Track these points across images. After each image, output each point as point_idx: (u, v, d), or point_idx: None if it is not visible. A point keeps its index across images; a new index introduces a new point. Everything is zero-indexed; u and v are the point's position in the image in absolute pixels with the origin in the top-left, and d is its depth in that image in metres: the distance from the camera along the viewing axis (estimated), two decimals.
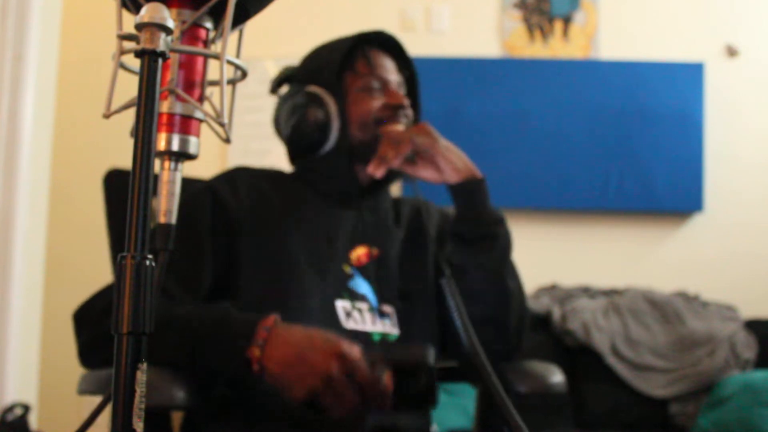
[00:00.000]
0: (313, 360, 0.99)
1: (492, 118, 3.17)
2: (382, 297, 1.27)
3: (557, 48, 3.29)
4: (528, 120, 3.18)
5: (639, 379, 2.76)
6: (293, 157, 1.34)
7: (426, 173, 1.27)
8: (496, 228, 1.28)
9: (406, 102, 1.31)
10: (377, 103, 1.29)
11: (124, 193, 1.33)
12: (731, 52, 3.26)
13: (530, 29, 3.31)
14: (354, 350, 1.00)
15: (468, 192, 1.27)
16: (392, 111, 1.29)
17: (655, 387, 2.74)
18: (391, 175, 1.31)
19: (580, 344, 2.80)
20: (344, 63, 1.31)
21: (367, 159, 1.27)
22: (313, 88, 1.29)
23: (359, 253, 1.28)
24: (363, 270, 1.27)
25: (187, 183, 1.36)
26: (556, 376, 1.29)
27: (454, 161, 1.26)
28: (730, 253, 3.17)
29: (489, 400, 1.34)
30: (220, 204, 1.22)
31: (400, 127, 1.28)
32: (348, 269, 1.26)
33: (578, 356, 2.82)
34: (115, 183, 1.36)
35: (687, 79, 3.17)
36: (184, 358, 1.04)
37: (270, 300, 1.17)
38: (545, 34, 3.30)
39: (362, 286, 1.25)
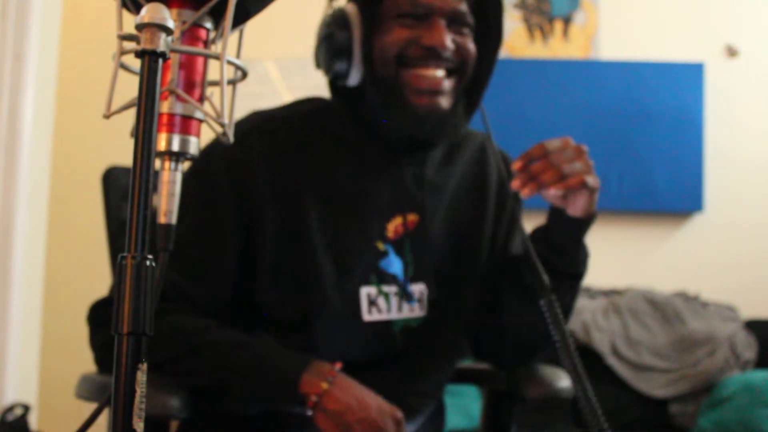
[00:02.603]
0: (374, 412, 0.99)
1: (492, 118, 3.16)
2: (415, 274, 1.13)
3: (557, 48, 3.29)
4: (528, 120, 3.17)
5: (639, 379, 2.76)
6: (330, 84, 1.13)
7: (551, 195, 1.10)
8: (584, 267, 1.18)
9: (449, 44, 1.05)
10: (405, 36, 1.05)
11: (124, 190, 1.33)
12: (731, 52, 3.26)
13: (530, 29, 3.31)
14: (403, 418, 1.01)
15: (579, 228, 1.13)
16: (423, 52, 1.05)
17: (655, 387, 2.74)
18: (447, 135, 1.11)
19: (580, 344, 2.80)
20: None
21: (391, 108, 1.05)
22: (348, 5, 1.08)
23: (396, 223, 1.12)
24: (397, 244, 1.12)
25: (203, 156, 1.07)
26: (564, 381, 1.28)
27: (592, 202, 1.10)
28: (730, 253, 3.17)
29: (497, 403, 1.33)
30: (240, 182, 1.06)
31: (436, 72, 1.06)
32: (382, 246, 1.11)
33: (578, 356, 2.81)
34: (114, 181, 1.36)
35: (687, 79, 3.17)
36: (221, 381, 1.02)
37: (290, 297, 1.08)
38: (545, 34, 3.30)
39: (394, 264, 1.12)
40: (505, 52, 3.30)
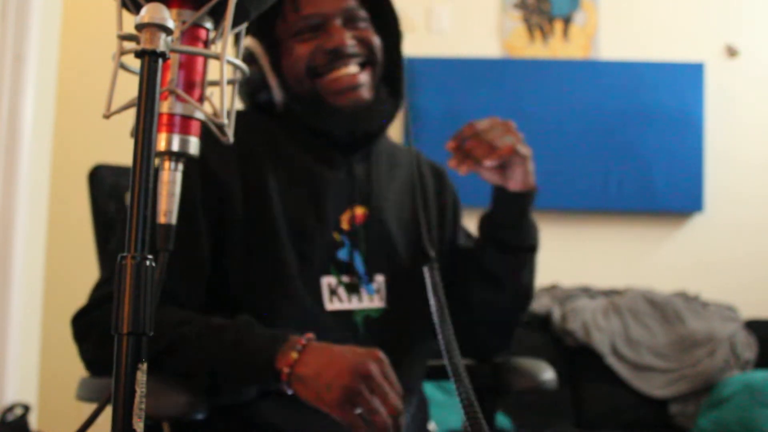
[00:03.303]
0: (350, 361, 0.94)
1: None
2: (371, 265, 1.17)
3: (557, 48, 3.29)
4: (528, 120, 3.16)
5: (639, 379, 2.76)
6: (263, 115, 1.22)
7: (488, 174, 1.16)
8: (536, 239, 1.23)
9: (349, 40, 1.12)
10: (308, 49, 1.12)
11: (111, 189, 1.32)
12: (731, 52, 3.26)
13: (530, 29, 3.31)
14: (385, 357, 0.95)
15: (523, 202, 1.18)
16: (329, 56, 1.11)
17: (655, 387, 2.74)
18: (379, 124, 1.18)
19: (580, 344, 2.80)
20: (274, 7, 1.18)
21: (318, 117, 1.13)
22: (251, 43, 1.14)
23: (349, 215, 1.16)
24: (353, 235, 1.16)
25: None
26: (547, 373, 1.30)
27: (528, 173, 1.15)
28: (730, 253, 3.17)
29: (478, 397, 1.34)
30: (209, 175, 1.08)
31: (347, 70, 1.11)
32: (338, 237, 1.15)
33: (578, 356, 2.82)
34: (101, 179, 1.35)
35: (687, 79, 3.17)
36: (204, 365, 0.99)
37: (257, 285, 1.10)
38: (545, 34, 3.30)
39: (351, 254, 1.16)
40: (505, 52, 3.30)
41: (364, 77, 1.14)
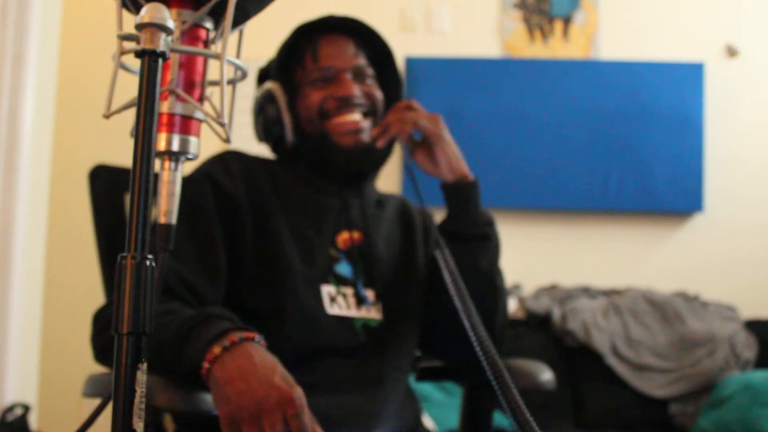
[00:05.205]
0: (258, 386, 0.89)
1: (492, 118, 3.17)
2: (366, 281, 1.28)
3: (557, 48, 3.29)
4: (528, 120, 3.17)
5: (639, 379, 2.76)
6: (272, 148, 1.36)
7: (422, 160, 1.29)
8: (488, 229, 1.31)
9: (357, 92, 1.28)
10: (321, 95, 1.28)
11: (111, 189, 1.34)
12: (731, 52, 3.26)
13: (530, 29, 3.31)
14: (302, 402, 0.90)
15: (461, 193, 1.29)
16: (338, 102, 1.27)
17: (655, 387, 2.74)
18: (374, 163, 1.32)
19: (580, 344, 2.80)
20: (295, 55, 1.30)
21: (324, 153, 1.27)
22: (271, 84, 1.31)
23: (344, 237, 1.29)
24: (348, 254, 1.28)
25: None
26: (545, 374, 1.33)
27: (450, 159, 1.28)
28: (730, 253, 3.17)
29: (476, 396, 1.38)
30: (221, 191, 1.21)
31: (352, 116, 1.27)
32: (334, 253, 1.27)
33: (578, 356, 2.82)
34: (102, 179, 1.35)
35: (687, 79, 3.17)
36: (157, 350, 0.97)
37: (264, 288, 1.19)
38: (545, 34, 3.30)
39: (347, 270, 1.27)
40: (505, 52, 3.30)
41: (366, 124, 1.29)
